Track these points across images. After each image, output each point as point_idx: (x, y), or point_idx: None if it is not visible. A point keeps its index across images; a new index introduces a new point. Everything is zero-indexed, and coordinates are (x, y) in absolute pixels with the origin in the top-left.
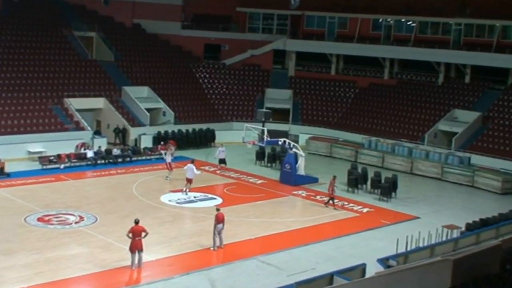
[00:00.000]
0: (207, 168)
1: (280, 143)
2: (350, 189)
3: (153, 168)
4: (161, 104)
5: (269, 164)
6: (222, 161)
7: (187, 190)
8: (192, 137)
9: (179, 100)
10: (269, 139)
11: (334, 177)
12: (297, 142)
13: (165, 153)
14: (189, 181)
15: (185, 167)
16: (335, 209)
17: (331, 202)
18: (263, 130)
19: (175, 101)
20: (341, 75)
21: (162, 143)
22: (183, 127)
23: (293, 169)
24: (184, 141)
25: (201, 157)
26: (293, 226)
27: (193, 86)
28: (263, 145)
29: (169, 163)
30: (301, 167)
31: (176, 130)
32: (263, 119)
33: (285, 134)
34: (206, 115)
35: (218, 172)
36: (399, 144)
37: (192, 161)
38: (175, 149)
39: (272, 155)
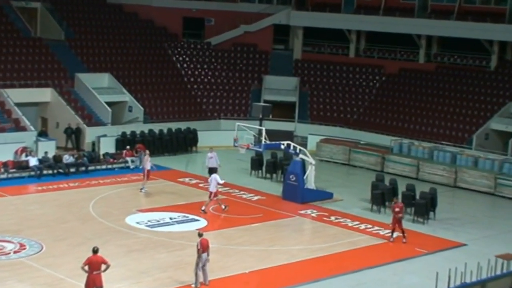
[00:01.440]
0: (187, 180)
1: (282, 147)
2: (374, 207)
3: (116, 181)
4: (127, 97)
5: (268, 175)
6: (213, 170)
7: (215, 207)
8: (167, 140)
9: (150, 92)
10: (268, 142)
11: (395, 199)
12: (305, 146)
13: (132, 160)
14: (213, 195)
15: (209, 179)
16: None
17: (399, 236)
18: (260, 131)
19: (145, 93)
20: (362, 57)
21: (128, 147)
22: (156, 127)
23: (300, 182)
24: (157, 146)
25: (179, 166)
26: (299, 256)
27: (169, 73)
28: (261, 150)
29: (148, 171)
30: (311, 179)
31: (146, 131)
32: (260, 116)
33: (289, 135)
34: (185, 111)
35: (203, 185)
36: (439, 149)
37: (215, 171)
38: (144, 156)
39: (272, 163)
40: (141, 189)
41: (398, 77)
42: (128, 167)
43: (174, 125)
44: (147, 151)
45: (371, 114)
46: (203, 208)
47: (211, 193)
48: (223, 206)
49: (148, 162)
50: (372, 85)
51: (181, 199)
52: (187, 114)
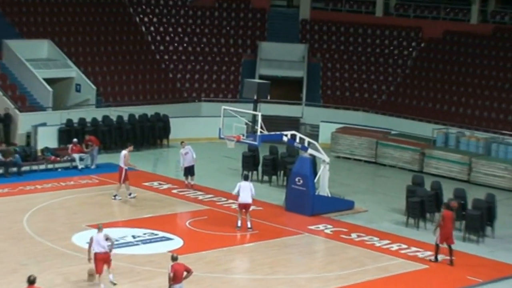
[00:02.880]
0: (155, 184)
1: (285, 139)
2: (411, 220)
3: (59, 186)
4: (73, 72)
5: (265, 178)
6: (189, 170)
7: (248, 223)
8: (129, 131)
9: (105, 65)
10: (266, 132)
11: (448, 205)
12: (315, 137)
13: (81, 158)
14: (245, 207)
15: (238, 185)
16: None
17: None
18: (255, 117)
19: (98, 67)
20: (393, 17)
21: (75, 140)
22: (113, 113)
23: (310, 186)
24: (115, 138)
25: (144, 165)
26: (309, 287)
27: (131, 39)
28: (256, 143)
29: (125, 172)
30: (324, 183)
31: (99, 118)
32: (255, 97)
33: (294, 123)
34: (153, 91)
35: (177, 191)
36: (498, 141)
37: (246, 177)
38: (97, 150)
39: (272, 161)
40: (114, 195)
41: (442, 42)
42: (75, 167)
43: (138, 110)
44: (94, 149)
45: (405, 94)
46: (245, 225)
47: (243, 204)
48: (239, 222)
49: (124, 159)
50: (407, 54)
51: (148, 211)
52: (156, 95)
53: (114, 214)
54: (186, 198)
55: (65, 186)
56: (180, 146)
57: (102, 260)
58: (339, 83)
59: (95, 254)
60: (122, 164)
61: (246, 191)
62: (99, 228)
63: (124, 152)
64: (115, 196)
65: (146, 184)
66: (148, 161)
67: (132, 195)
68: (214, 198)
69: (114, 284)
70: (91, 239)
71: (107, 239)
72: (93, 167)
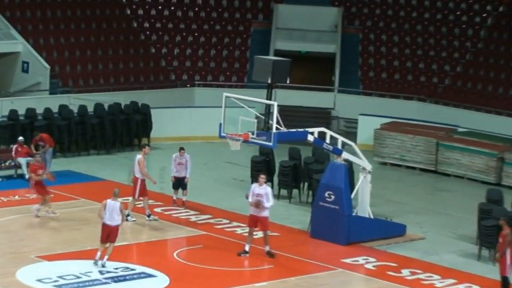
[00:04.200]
0: (131, 200)
1: (311, 138)
2: (485, 252)
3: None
4: (19, 45)
5: (283, 192)
6: (181, 182)
7: (266, 247)
8: (96, 126)
9: (63, 36)
10: (284, 129)
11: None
12: (352, 136)
13: (29, 163)
14: (257, 223)
15: (252, 188)
16: None
17: None
18: (268, 108)
19: (53, 39)
20: None
21: (21, 139)
22: (74, 102)
23: (344, 204)
24: (76, 136)
25: (116, 173)
26: None
27: (97, 2)
28: (270, 144)
29: (142, 183)
30: (364, 199)
31: (55, 109)
32: (268, 81)
33: (323, 116)
34: (129, 73)
35: (162, 210)
36: None
37: (257, 180)
38: (52, 153)
39: (292, 168)
40: (148, 215)
41: None
42: (21, 176)
43: (108, 99)
44: (47, 151)
45: (476, 77)
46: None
47: (256, 221)
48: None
49: (139, 166)
50: (479, 22)
51: (122, 237)
52: (132, 78)
53: (75, 241)
54: (174, 219)
55: (7, 203)
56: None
57: (107, 232)
58: (385, 61)
59: (103, 224)
60: (137, 174)
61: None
62: (115, 194)
63: (138, 156)
64: (127, 216)
65: (119, 199)
66: (122, 168)
67: (151, 217)
68: (212, 219)
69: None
70: (104, 205)
71: (121, 211)
72: (44, 177)
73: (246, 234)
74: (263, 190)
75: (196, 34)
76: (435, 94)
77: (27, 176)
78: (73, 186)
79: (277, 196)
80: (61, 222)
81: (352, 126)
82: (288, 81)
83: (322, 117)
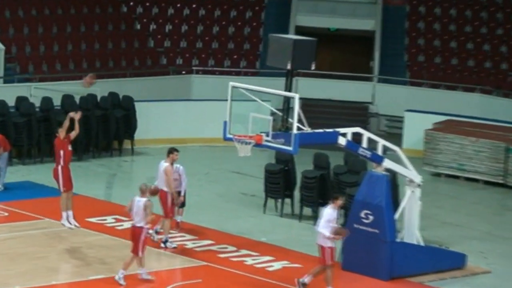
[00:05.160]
0: (109, 220)
1: (342, 142)
2: None
3: None
4: None
5: (306, 211)
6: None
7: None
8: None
9: (21, 8)
10: (307, 129)
11: None
12: (397, 139)
13: None
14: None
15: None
16: None
17: None
18: (287, 103)
19: (9, 11)
20: None
21: None
22: (37, 92)
23: (386, 227)
24: (38, 138)
25: (92, 186)
26: None
27: None
28: (290, 149)
29: (169, 199)
30: (412, 220)
31: (10, 103)
32: (287, 67)
33: (359, 113)
34: (107, 56)
35: (150, 234)
36: None
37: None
38: (7, 159)
39: (318, 180)
40: (164, 242)
41: None
42: None
43: (80, 89)
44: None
45: None
46: (304, 280)
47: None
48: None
49: (166, 177)
50: None
51: (96, 269)
52: (112, 63)
53: (37, 273)
54: (168, 249)
55: None
56: (156, 154)
57: (131, 236)
58: (439, 42)
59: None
60: (164, 186)
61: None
62: (142, 190)
63: (165, 165)
64: (165, 242)
65: (93, 220)
66: (97, 179)
67: (170, 245)
68: (214, 246)
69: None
70: (132, 202)
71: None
72: None
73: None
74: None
75: (194, 6)
76: (504, 85)
77: None
78: (35, 201)
79: (298, 216)
80: (19, 248)
81: (396, 126)
82: (313, 67)
83: (358, 114)
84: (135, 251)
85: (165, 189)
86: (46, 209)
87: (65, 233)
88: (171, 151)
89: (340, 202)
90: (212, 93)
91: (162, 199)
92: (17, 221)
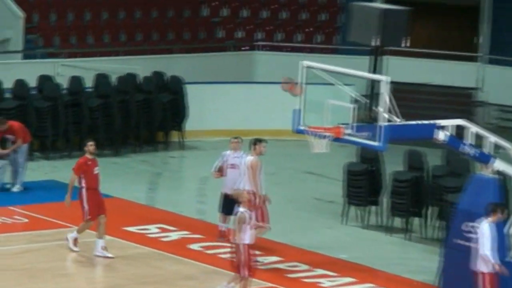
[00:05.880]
0: (152, 230)
1: (442, 136)
2: None
3: None
4: None
5: (397, 221)
6: (232, 203)
7: None
8: (97, 112)
9: None
10: (398, 121)
11: None
12: (511, 137)
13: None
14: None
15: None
16: None
17: None
18: (374, 87)
19: None
20: None
21: None
22: (65, 71)
23: (500, 247)
24: (66, 126)
25: (132, 187)
26: None
27: None
28: (377, 145)
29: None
30: None
31: (32, 83)
32: (373, 43)
33: (462, 101)
34: (151, 26)
35: (201, 248)
36: None
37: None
38: (26, 152)
39: (412, 183)
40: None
41: None
42: None
43: (117, 67)
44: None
45: None
46: None
47: None
48: None
49: (252, 173)
50: None
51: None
52: (158, 36)
53: None
54: (222, 263)
55: None
56: (209, 149)
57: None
58: None
59: None
60: (246, 185)
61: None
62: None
63: (249, 158)
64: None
65: (133, 229)
66: (139, 179)
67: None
68: (282, 263)
69: None
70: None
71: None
72: (15, 188)
73: None
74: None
75: None
76: None
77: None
78: (60, 205)
79: (386, 227)
80: (40, 263)
81: (509, 118)
82: (406, 44)
83: (461, 102)
84: (237, 269)
85: (247, 186)
86: (74, 215)
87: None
88: (256, 142)
89: (499, 215)
90: (280, 74)
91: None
92: (38, 229)
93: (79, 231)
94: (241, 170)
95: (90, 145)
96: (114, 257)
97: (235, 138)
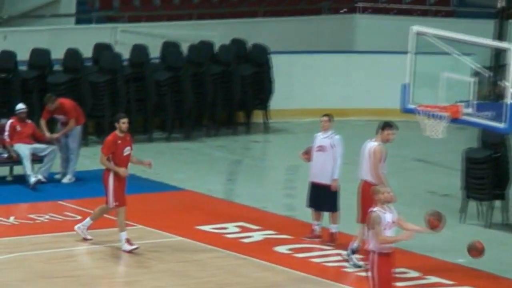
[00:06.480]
0: (231, 229)
1: None
2: None
3: None
4: None
5: None
6: (325, 196)
7: None
8: (165, 88)
9: None
10: None
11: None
12: None
13: (35, 156)
14: None
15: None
16: None
17: None
18: (498, 58)
19: None
20: None
21: (21, 108)
22: (126, 38)
23: None
24: (128, 104)
25: (210, 180)
26: None
27: None
28: (502, 126)
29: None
30: None
31: (87, 54)
32: (498, 5)
33: None
34: None
35: (290, 251)
36: None
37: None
38: (79, 136)
39: None
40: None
41: None
42: (20, 178)
43: (188, 33)
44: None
45: None
46: None
47: None
48: None
49: (374, 161)
50: None
51: None
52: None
53: None
54: (314, 268)
55: None
56: (299, 132)
57: None
58: None
59: None
60: (367, 176)
61: None
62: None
63: (372, 144)
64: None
65: (207, 228)
66: (215, 168)
67: (354, 259)
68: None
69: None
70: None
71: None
72: (66, 179)
73: None
74: None
75: None
76: None
77: (32, 179)
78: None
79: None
80: (96, 268)
81: None
82: None
83: None
84: None
85: (368, 178)
86: (137, 211)
87: (164, 247)
88: (384, 126)
89: None
90: (385, 42)
91: (363, 201)
92: (92, 229)
93: (94, 218)
94: (363, 156)
95: (123, 123)
96: (139, 247)
97: (325, 115)
